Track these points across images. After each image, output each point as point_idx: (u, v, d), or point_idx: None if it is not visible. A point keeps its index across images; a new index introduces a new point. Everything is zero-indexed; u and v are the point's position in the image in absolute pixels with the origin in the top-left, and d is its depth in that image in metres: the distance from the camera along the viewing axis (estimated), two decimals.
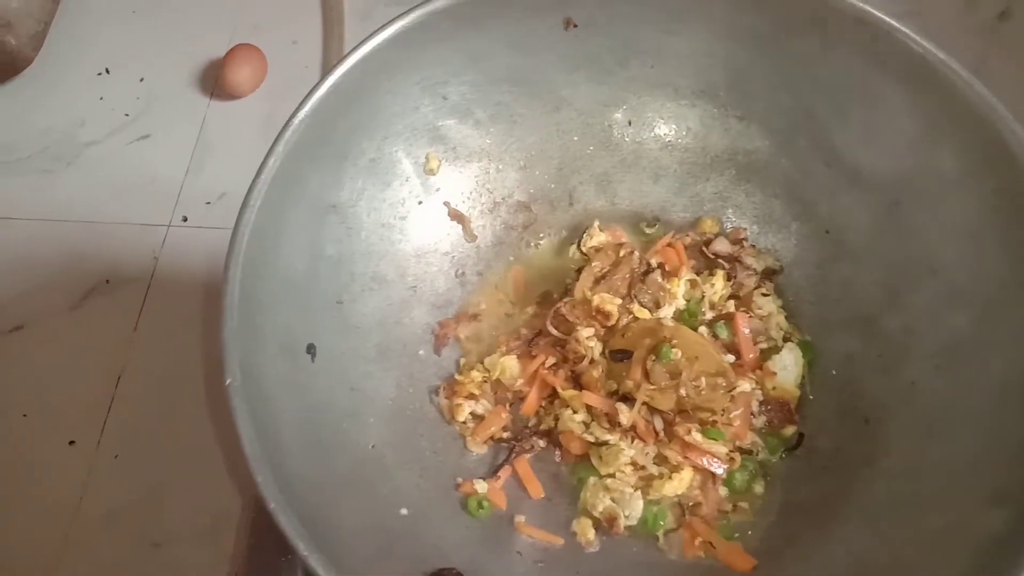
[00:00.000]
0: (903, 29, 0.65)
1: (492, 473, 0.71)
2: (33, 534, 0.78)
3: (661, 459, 0.69)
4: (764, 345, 0.73)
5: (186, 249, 0.92)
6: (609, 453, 0.68)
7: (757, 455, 0.70)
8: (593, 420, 0.70)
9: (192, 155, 0.97)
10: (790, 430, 0.71)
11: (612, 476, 0.69)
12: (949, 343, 0.66)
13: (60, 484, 0.80)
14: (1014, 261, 0.63)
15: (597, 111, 0.78)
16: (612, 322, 0.72)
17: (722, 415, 0.68)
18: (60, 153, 0.98)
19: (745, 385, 0.70)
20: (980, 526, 0.58)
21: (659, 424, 0.68)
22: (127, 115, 1.00)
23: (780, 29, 0.70)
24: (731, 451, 0.69)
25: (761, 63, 0.73)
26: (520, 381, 0.73)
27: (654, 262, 0.75)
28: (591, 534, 0.68)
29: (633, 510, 0.68)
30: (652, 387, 0.68)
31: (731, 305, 0.75)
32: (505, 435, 0.72)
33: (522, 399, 0.73)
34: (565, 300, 0.74)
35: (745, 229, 0.78)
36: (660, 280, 0.74)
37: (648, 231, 0.80)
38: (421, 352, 0.75)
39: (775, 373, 0.72)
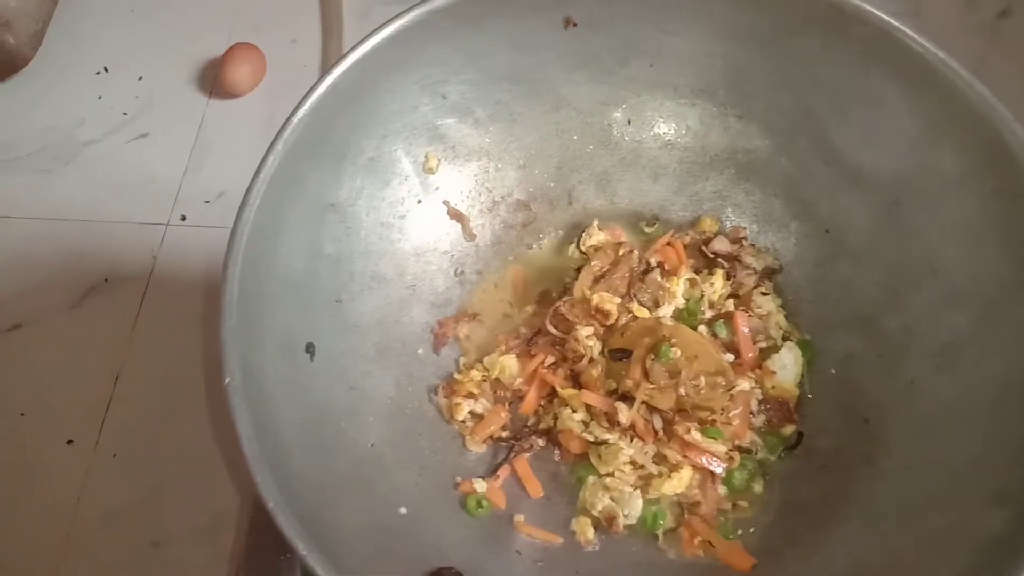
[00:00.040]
0: (903, 29, 0.65)
1: (491, 472, 0.70)
2: (32, 533, 0.78)
3: (660, 458, 0.69)
4: (763, 344, 0.73)
5: (185, 248, 0.92)
6: (608, 452, 0.68)
7: (756, 454, 0.70)
8: (592, 419, 0.70)
9: (191, 154, 0.97)
10: (789, 429, 0.71)
11: (611, 475, 0.69)
12: (949, 343, 0.66)
13: (59, 483, 0.80)
14: (1014, 261, 0.63)
15: (596, 110, 0.78)
16: (611, 321, 0.72)
17: (721, 414, 0.68)
18: (59, 152, 0.98)
19: (744, 384, 0.70)
20: (980, 526, 0.58)
21: (658, 423, 0.68)
22: (126, 114, 1.00)
23: (780, 28, 0.70)
24: (730, 450, 0.69)
25: (761, 62, 0.73)
26: (519, 380, 0.73)
27: (653, 261, 0.75)
28: (590, 533, 0.68)
29: (632, 509, 0.68)
30: (651, 386, 0.68)
31: (730, 304, 0.75)
32: (504, 434, 0.72)
33: (521, 398, 0.73)
34: (564, 299, 0.74)
35: (744, 228, 0.78)
36: (659, 279, 0.74)
37: (647, 230, 0.80)
38: (420, 351, 0.75)
39: (774, 372, 0.72)
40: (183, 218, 0.93)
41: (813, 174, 0.75)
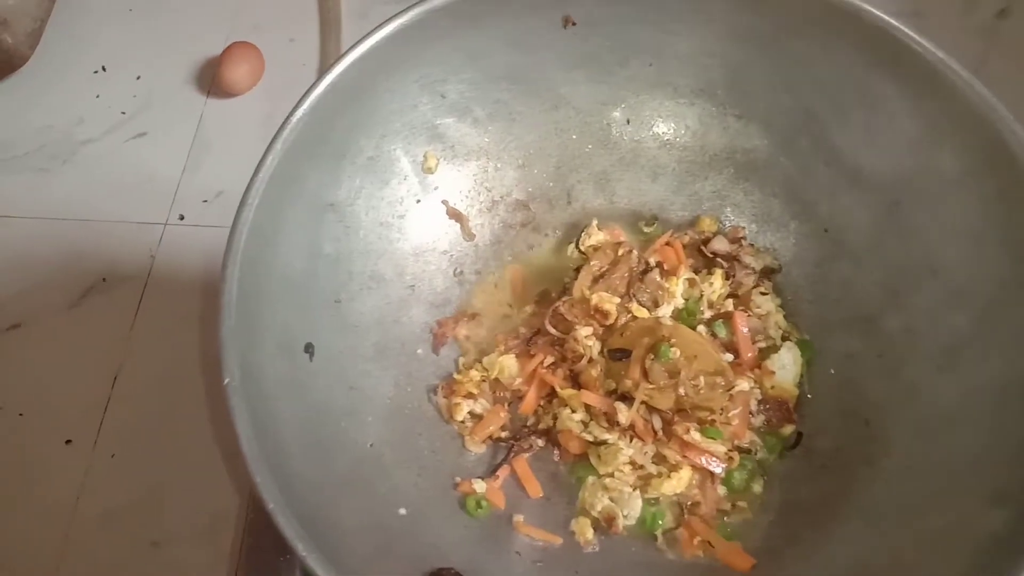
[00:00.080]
0: (903, 29, 0.65)
1: (491, 472, 0.70)
2: (31, 533, 0.78)
3: (660, 458, 0.69)
4: (763, 344, 0.73)
5: (183, 247, 0.92)
6: (608, 452, 0.68)
7: (756, 454, 0.70)
8: (592, 419, 0.70)
9: (189, 153, 0.97)
10: (789, 429, 0.71)
11: (611, 475, 0.69)
12: (949, 343, 0.66)
13: (57, 483, 0.80)
14: (1014, 261, 0.63)
15: (596, 109, 0.78)
16: (611, 321, 0.72)
17: (721, 414, 0.68)
18: (56, 151, 0.98)
19: (744, 384, 0.70)
20: (980, 526, 0.58)
21: (658, 423, 0.68)
22: (124, 113, 1.00)
23: (779, 28, 0.70)
24: (730, 450, 0.69)
25: (760, 62, 0.73)
26: (519, 380, 0.73)
27: (652, 261, 0.75)
28: (590, 533, 0.68)
29: (632, 509, 0.68)
30: (651, 386, 0.68)
31: (730, 304, 0.75)
32: (503, 434, 0.72)
33: (520, 398, 0.73)
34: (564, 299, 0.74)
35: (744, 228, 0.78)
36: (659, 279, 0.74)
37: (647, 230, 0.80)
38: (419, 351, 0.75)
39: (774, 372, 0.72)
40: (181, 217, 0.93)
41: (813, 174, 0.74)
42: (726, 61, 0.74)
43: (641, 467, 0.68)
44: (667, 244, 0.77)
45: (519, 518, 0.68)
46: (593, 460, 0.69)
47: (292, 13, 1.06)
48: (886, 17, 0.66)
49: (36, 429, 0.82)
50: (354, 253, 0.72)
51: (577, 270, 0.76)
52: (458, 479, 0.70)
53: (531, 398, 0.72)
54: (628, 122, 0.79)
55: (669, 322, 0.71)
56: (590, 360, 0.71)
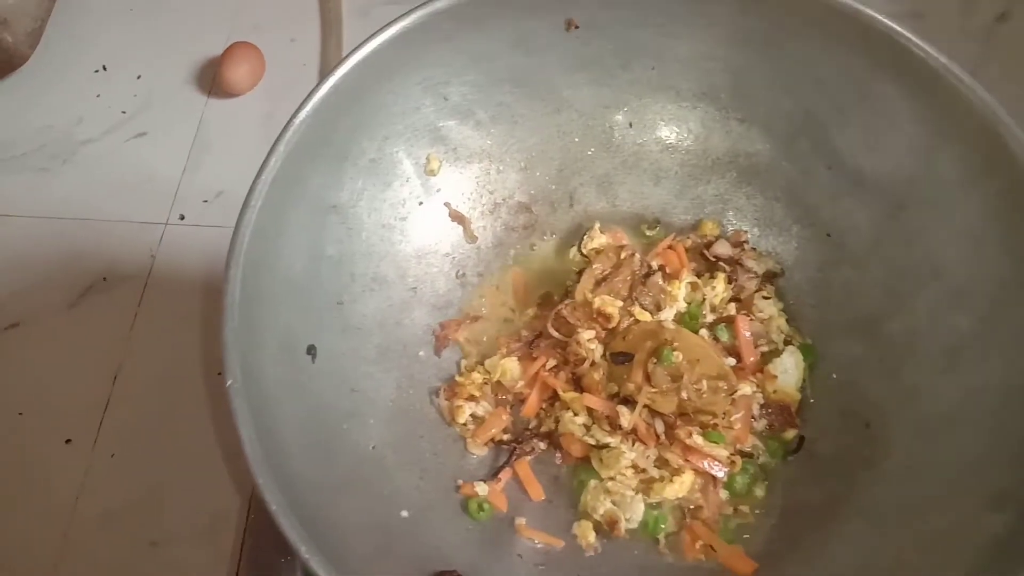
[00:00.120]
0: (904, 32, 0.65)
1: (492, 475, 0.70)
2: (30, 533, 0.78)
3: (662, 462, 0.69)
4: (765, 348, 0.73)
5: (183, 247, 0.91)
6: (610, 456, 0.68)
7: (758, 458, 0.70)
8: (594, 422, 0.70)
9: (190, 153, 0.97)
10: (791, 433, 0.71)
11: (613, 479, 0.69)
12: (951, 345, 0.66)
13: (57, 483, 0.80)
14: (1015, 261, 0.63)
15: (598, 113, 0.78)
16: (613, 324, 0.72)
17: (723, 418, 0.68)
18: (57, 151, 0.98)
19: (746, 388, 0.70)
20: (981, 528, 0.58)
21: (660, 427, 0.68)
22: (124, 113, 1.00)
23: (781, 32, 0.70)
24: (732, 454, 0.69)
25: (762, 66, 0.73)
26: (521, 383, 0.73)
27: (655, 264, 0.75)
28: (592, 537, 0.68)
29: (634, 513, 0.68)
30: (653, 390, 0.68)
31: (732, 308, 0.75)
32: (505, 437, 0.72)
33: (523, 401, 0.73)
34: (566, 302, 0.74)
35: (746, 232, 0.78)
36: (661, 282, 0.74)
37: (649, 233, 0.80)
38: (421, 353, 0.75)
39: (776, 376, 0.72)
40: (182, 217, 0.93)
41: (815, 178, 0.74)
42: (728, 65, 0.74)
43: (643, 471, 0.68)
44: (669, 248, 0.77)
45: (521, 521, 0.68)
46: (595, 463, 0.69)
47: (293, 13, 1.06)
48: (887, 21, 0.66)
49: (36, 429, 0.82)
50: (356, 255, 0.72)
51: (579, 273, 0.76)
52: (460, 481, 0.70)
53: (533, 401, 0.72)
54: (630, 125, 0.79)
55: (671, 326, 0.71)
56: (592, 363, 0.71)
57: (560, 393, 0.71)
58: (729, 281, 0.75)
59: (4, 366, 0.86)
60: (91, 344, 0.86)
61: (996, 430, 0.61)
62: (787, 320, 0.75)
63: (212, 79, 1.01)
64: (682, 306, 0.74)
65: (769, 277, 0.77)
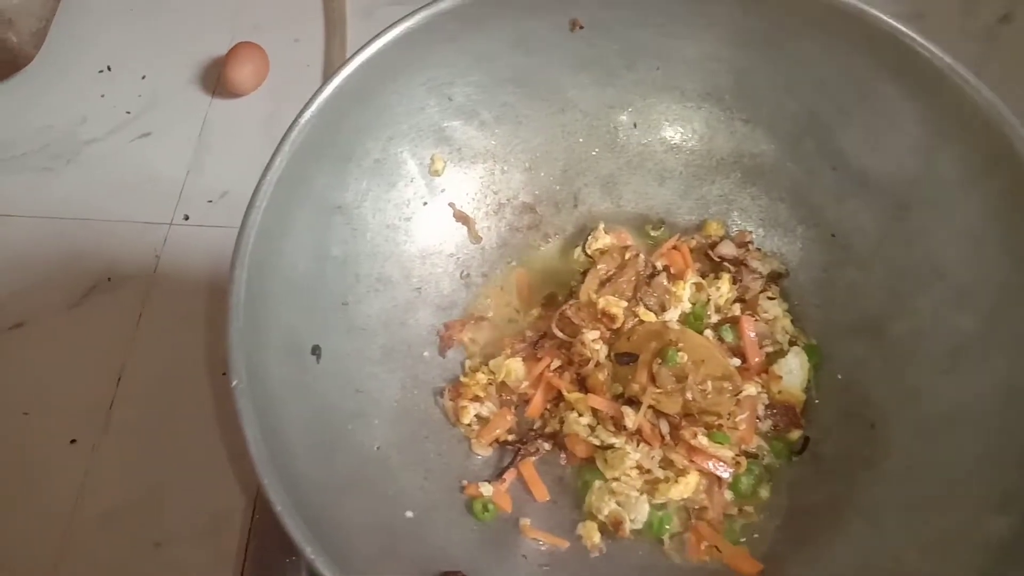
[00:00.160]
0: (909, 32, 0.65)
1: (497, 476, 0.70)
2: (34, 533, 0.78)
3: (667, 463, 0.69)
4: (770, 349, 0.73)
5: (188, 247, 0.91)
6: (614, 456, 0.68)
7: (763, 459, 0.70)
8: (598, 423, 0.70)
9: (194, 153, 0.97)
10: (796, 434, 0.71)
11: (617, 479, 0.69)
12: (954, 346, 0.66)
13: (61, 483, 0.80)
14: (1015, 262, 0.63)
15: (603, 113, 0.78)
16: (617, 325, 0.72)
17: (728, 419, 0.68)
18: (61, 150, 0.98)
19: (751, 389, 0.70)
20: (987, 530, 0.58)
21: (665, 427, 0.68)
22: (128, 113, 1.00)
23: (785, 32, 0.70)
24: (737, 455, 0.69)
25: (766, 66, 0.73)
26: (525, 383, 0.73)
27: (659, 265, 0.75)
28: (596, 537, 0.68)
29: (638, 514, 0.68)
30: (658, 390, 0.68)
31: (737, 308, 0.75)
32: (510, 437, 0.72)
33: (527, 401, 0.73)
34: (570, 302, 0.74)
35: (751, 232, 0.78)
36: (665, 283, 0.74)
37: (653, 234, 0.80)
38: (426, 354, 0.75)
39: (781, 377, 0.72)
40: (186, 217, 0.93)
41: (819, 178, 0.74)
42: (732, 65, 0.74)
43: (648, 471, 0.68)
44: (674, 248, 0.77)
45: (525, 521, 0.68)
46: (600, 464, 0.69)
47: (296, 13, 1.06)
48: (891, 21, 0.66)
49: (40, 429, 0.82)
50: (361, 255, 0.72)
51: (584, 273, 0.76)
52: (465, 482, 0.70)
53: (538, 401, 0.72)
54: (635, 126, 0.79)
55: (676, 326, 0.71)
56: (597, 364, 0.71)
57: (564, 394, 0.71)
58: (734, 282, 0.75)
59: (9, 366, 0.86)
60: (95, 344, 0.86)
61: (999, 431, 0.61)
62: (792, 321, 0.75)
63: (216, 79, 1.01)
64: (687, 307, 0.74)
65: (774, 278, 0.77)
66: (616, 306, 0.72)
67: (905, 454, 0.66)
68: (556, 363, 0.72)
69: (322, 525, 0.56)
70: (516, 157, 0.79)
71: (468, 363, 0.75)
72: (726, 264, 0.76)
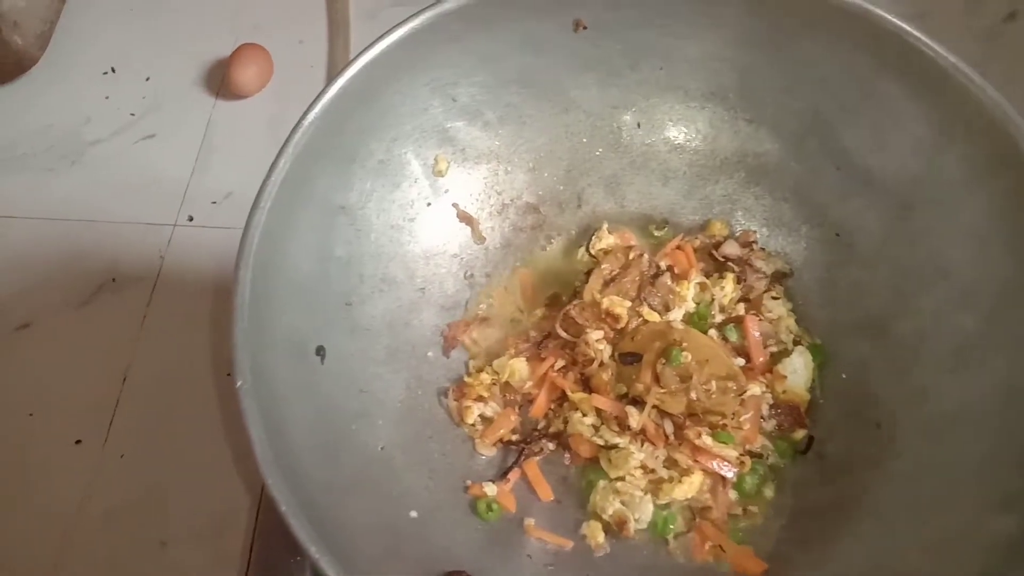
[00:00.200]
0: (912, 31, 0.65)
1: (501, 476, 0.70)
2: (40, 533, 0.78)
3: (671, 462, 0.69)
4: (774, 348, 0.73)
5: (192, 248, 0.92)
6: (619, 456, 0.68)
7: (767, 459, 0.70)
8: (602, 423, 0.70)
9: (198, 154, 0.97)
10: (800, 434, 0.71)
11: (622, 479, 0.69)
12: (959, 345, 0.66)
13: (66, 483, 0.80)
14: (1019, 262, 0.63)
15: (606, 113, 0.78)
16: (621, 325, 0.72)
17: (732, 419, 0.68)
18: (65, 152, 0.98)
19: (755, 389, 0.70)
20: (992, 530, 0.58)
21: (669, 427, 0.68)
22: (133, 114, 1.00)
23: (789, 32, 0.70)
24: (741, 455, 0.69)
25: (770, 66, 0.73)
26: (529, 383, 0.73)
27: (663, 265, 0.75)
28: (601, 537, 0.68)
29: (643, 513, 0.68)
30: (662, 390, 0.68)
31: (741, 308, 0.75)
32: (514, 437, 0.72)
33: (531, 402, 0.73)
34: (574, 303, 0.74)
35: (755, 232, 0.78)
36: (669, 283, 0.74)
37: (657, 233, 0.80)
38: (430, 354, 0.75)
39: (785, 377, 0.72)
40: (190, 218, 0.93)
41: (824, 177, 0.74)
42: (736, 65, 0.74)
43: (652, 471, 0.68)
44: (678, 248, 0.77)
45: (530, 521, 0.68)
46: (604, 464, 0.69)
47: (300, 15, 1.06)
48: (895, 20, 0.66)
49: (45, 429, 0.83)
50: (365, 256, 0.72)
51: (587, 274, 0.76)
52: (469, 482, 0.70)
53: (542, 401, 0.72)
54: (639, 126, 0.79)
55: (680, 326, 0.71)
56: (601, 364, 0.71)
57: (569, 394, 0.71)
58: (738, 281, 0.75)
59: (14, 367, 0.86)
60: (100, 345, 0.86)
61: (1002, 430, 0.61)
62: (796, 320, 0.75)
63: (220, 81, 1.01)
64: (691, 306, 0.74)
65: (778, 277, 0.76)
66: (620, 306, 0.72)
67: (910, 454, 0.66)
68: (560, 363, 0.72)
69: (326, 525, 0.56)
70: (520, 157, 0.79)
71: (472, 363, 0.75)
72: (730, 264, 0.76)
